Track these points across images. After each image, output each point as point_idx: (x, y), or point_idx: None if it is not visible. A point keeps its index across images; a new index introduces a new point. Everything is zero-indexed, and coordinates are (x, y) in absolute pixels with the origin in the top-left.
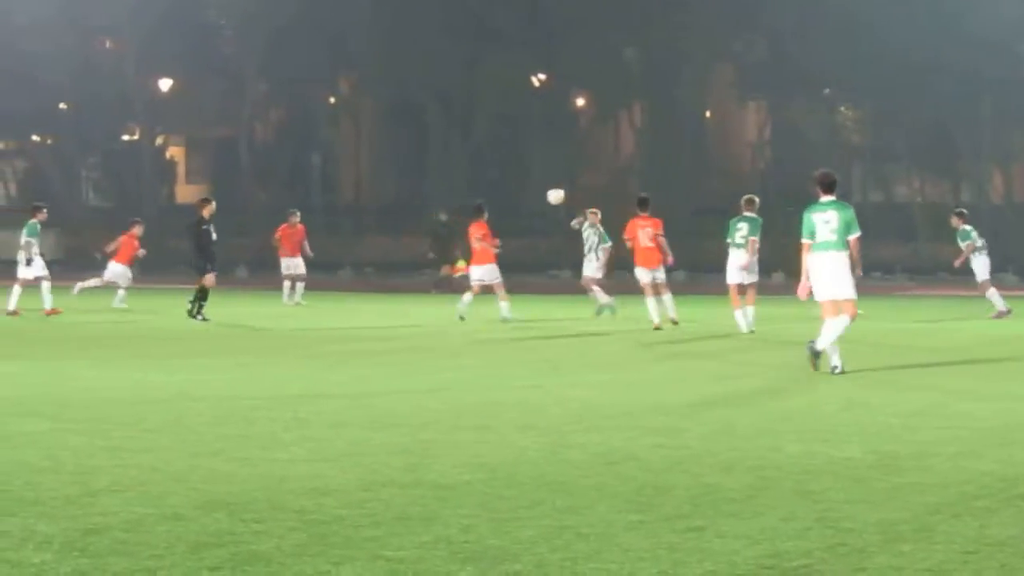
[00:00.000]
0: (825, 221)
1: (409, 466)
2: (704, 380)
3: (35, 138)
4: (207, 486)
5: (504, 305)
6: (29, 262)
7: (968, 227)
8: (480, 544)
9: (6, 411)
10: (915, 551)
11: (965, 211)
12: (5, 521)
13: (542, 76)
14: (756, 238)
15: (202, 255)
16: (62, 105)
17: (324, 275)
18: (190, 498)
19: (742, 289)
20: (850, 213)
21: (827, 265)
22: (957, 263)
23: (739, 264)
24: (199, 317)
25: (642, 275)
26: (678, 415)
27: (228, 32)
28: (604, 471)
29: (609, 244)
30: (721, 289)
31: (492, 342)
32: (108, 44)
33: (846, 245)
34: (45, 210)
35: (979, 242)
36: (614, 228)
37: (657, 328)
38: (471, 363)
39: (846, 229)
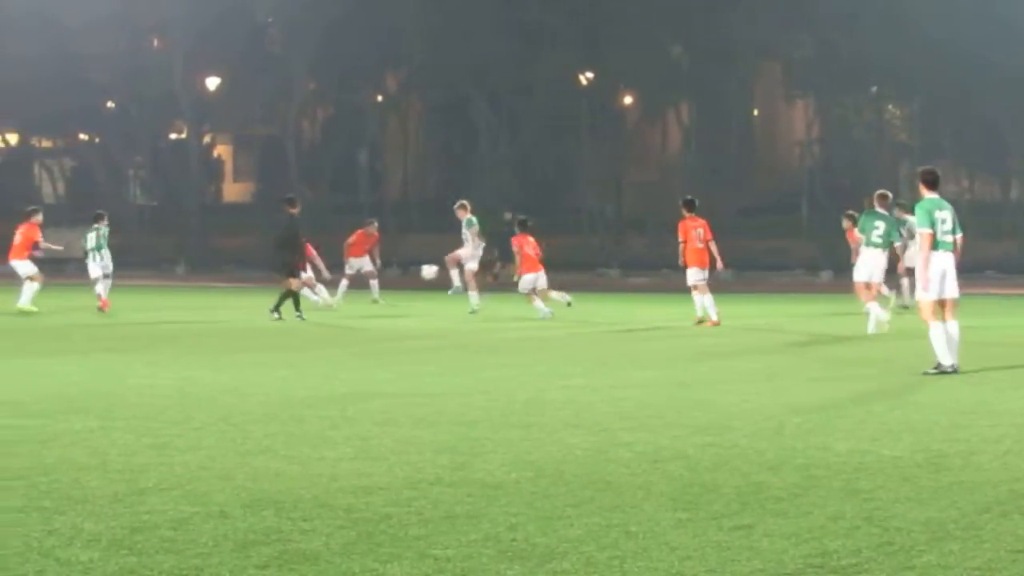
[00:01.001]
0: (942, 220)
1: (456, 464)
2: (751, 378)
3: (83, 137)
4: (254, 484)
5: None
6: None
7: None
8: (527, 543)
9: (55, 409)
10: (963, 550)
11: None
12: (53, 519)
13: (590, 75)
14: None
15: (295, 255)
16: (110, 104)
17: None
18: (237, 496)
19: (870, 287)
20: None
21: (943, 264)
22: None
23: (877, 264)
24: (276, 315)
25: (695, 275)
26: (725, 413)
27: (276, 31)
28: (651, 469)
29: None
30: (769, 287)
31: (539, 340)
32: (156, 43)
33: (955, 245)
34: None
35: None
36: (662, 225)
37: (701, 322)
38: (518, 361)
39: (956, 229)
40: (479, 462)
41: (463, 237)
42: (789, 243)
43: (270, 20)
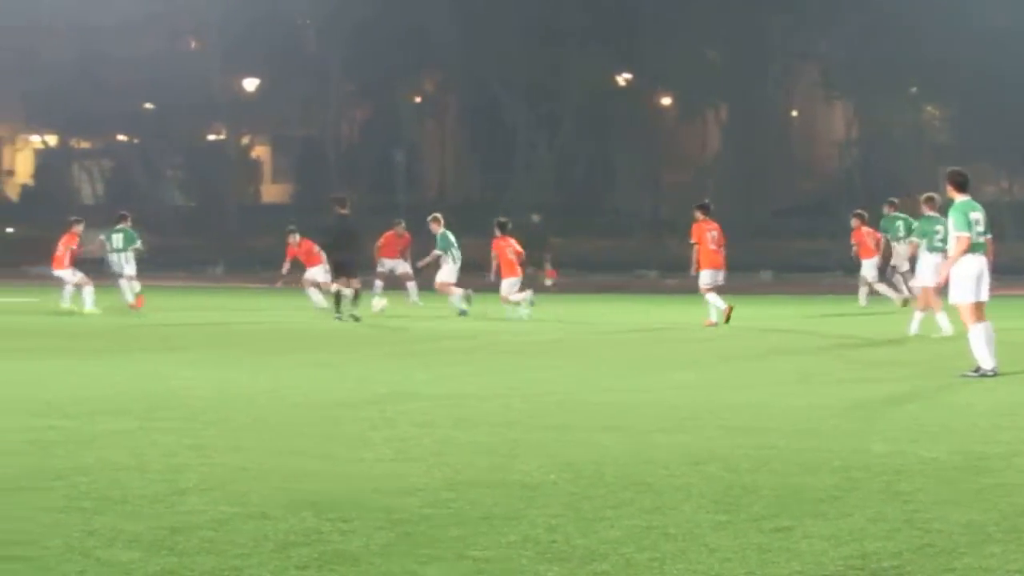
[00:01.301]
0: (976, 221)
1: (494, 465)
2: (788, 380)
3: (121, 138)
4: (293, 485)
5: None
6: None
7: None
8: (567, 544)
9: (94, 409)
10: (1005, 552)
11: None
12: (94, 520)
13: (627, 76)
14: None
15: (346, 254)
16: (148, 105)
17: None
18: (277, 497)
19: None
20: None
21: (978, 267)
22: None
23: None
24: (341, 317)
25: (710, 277)
26: (762, 415)
27: (313, 32)
28: (689, 471)
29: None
30: (808, 289)
31: (577, 342)
32: (193, 45)
33: (988, 247)
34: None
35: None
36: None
37: (712, 325)
38: (555, 363)
39: (987, 230)
40: (517, 463)
41: (437, 253)
42: (828, 244)
43: (308, 22)
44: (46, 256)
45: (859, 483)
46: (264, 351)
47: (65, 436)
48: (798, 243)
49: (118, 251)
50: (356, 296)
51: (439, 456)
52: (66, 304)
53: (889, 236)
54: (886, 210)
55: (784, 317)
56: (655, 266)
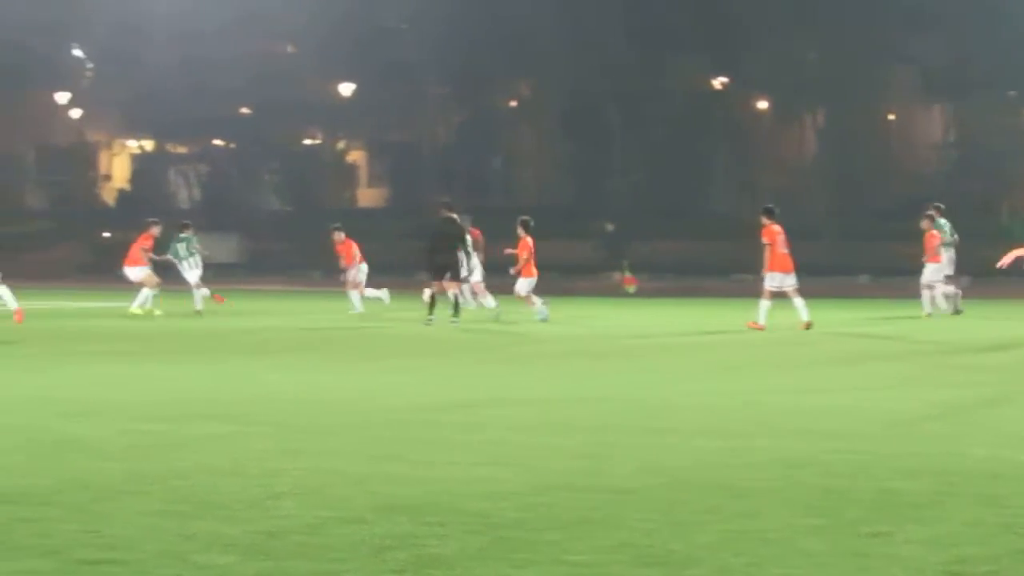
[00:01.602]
0: None
1: (589, 470)
2: (882, 383)
3: (217, 142)
4: (388, 489)
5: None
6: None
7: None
8: (663, 548)
9: (189, 413)
10: None
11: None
12: (190, 524)
13: (724, 79)
14: None
15: (452, 257)
16: (244, 110)
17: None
18: (372, 501)
19: None
20: None
21: None
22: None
23: None
24: (456, 322)
25: (778, 280)
26: (857, 419)
27: (409, 36)
28: (784, 475)
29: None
30: (905, 292)
31: (670, 347)
32: (289, 49)
33: None
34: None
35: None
36: (798, 230)
37: (760, 328)
38: (649, 366)
39: None
40: (611, 467)
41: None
42: None
43: (404, 26)
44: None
45: (956, 488)
46: (358, 356)
47: (161, 440)
48: (895, 246)
49: (181, 259)
50: (456, 301)
51: (533, 460)
52: (149, 307)
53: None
54: (929, 219)
55: (880, 321)
56: (753, 269)
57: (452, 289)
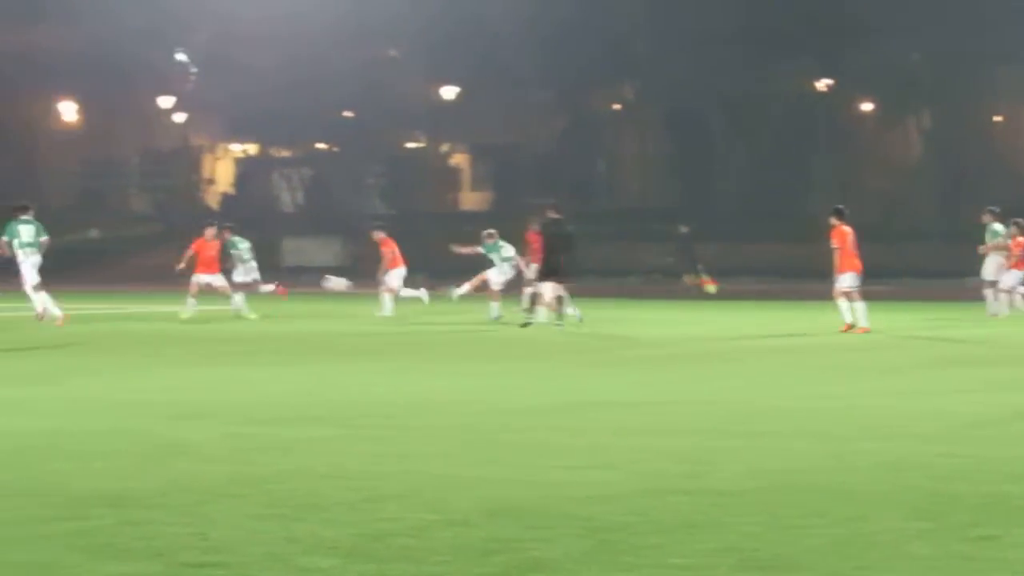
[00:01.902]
0: None
1: (691, 473)
2: (982, 387)
3: (320, 146)
4: (492, 492)
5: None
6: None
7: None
8: (768, 552)
9: (291, 416)
10: None
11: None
12: (293, 527)
13: (828, 82)
14: None
15: (560, 258)
16: (347, 113)
17: (612, 281)
18: (476, 504)
19: None
20: None
21: None
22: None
23: None
24: (560, 325)
25: (852, 280)
26: (960, 423)
27: (511, 40)
28: (889, 479)
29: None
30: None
31: (770, 350)
32: (392, 53)
33: None
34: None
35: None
36: (902, 232)
37: (851, 328)
38: (749, 370)
39: None
40: (716, 470)
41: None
42: None
43: (507, 30)
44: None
45: None
46: (461, 358)
47: (265, 443)
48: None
49: (244, 262)
50: (560, 302)
51: (636, 464)
52: (244, 311)
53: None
54: (986, 219)
55: (984, 323)
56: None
57: (552, 292)
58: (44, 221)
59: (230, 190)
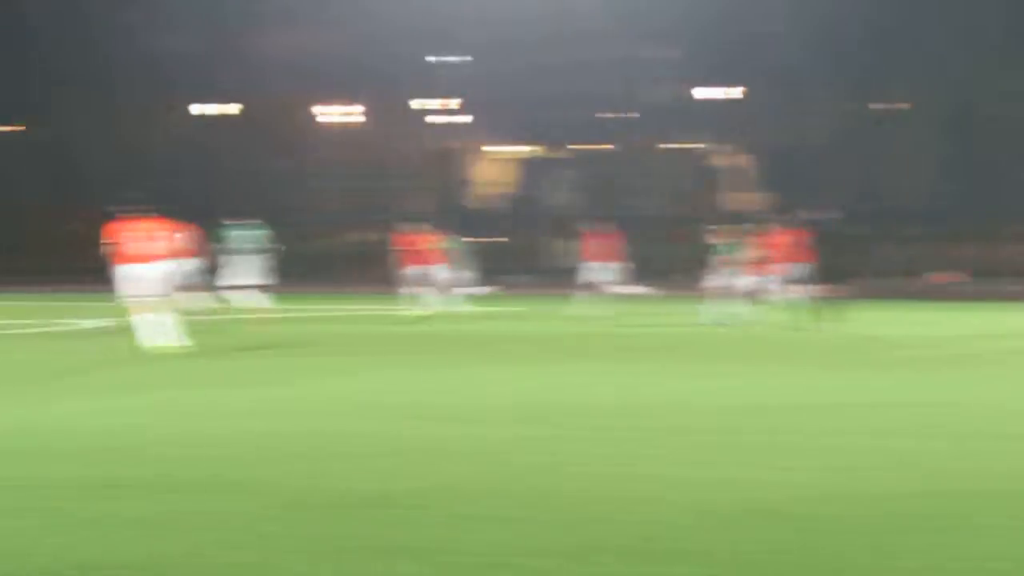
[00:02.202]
0: None
1: (963, 472)
2: None
3: (595, 146)
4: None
5: None
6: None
7: None
8: None
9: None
10: None
11: None
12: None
13: None
14: None
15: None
16: (623, 114)
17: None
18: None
19: None
20: None
21: None
22: None
23: None
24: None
25: None
26: None
27: (788, 40)
28: None
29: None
30: None
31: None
32: (667, 53)
33: None
34: None
35: None
36: None
37: None
38: (1003, 372)
39: None
40: (984, 472)
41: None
42: None
43: (780, 29)
44: (523, 266)
45: None
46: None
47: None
48: None
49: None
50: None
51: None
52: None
53: None
54: None
55: None
56: None
57: (830, 294)
58: (312, 224)
59: (501, 191)
